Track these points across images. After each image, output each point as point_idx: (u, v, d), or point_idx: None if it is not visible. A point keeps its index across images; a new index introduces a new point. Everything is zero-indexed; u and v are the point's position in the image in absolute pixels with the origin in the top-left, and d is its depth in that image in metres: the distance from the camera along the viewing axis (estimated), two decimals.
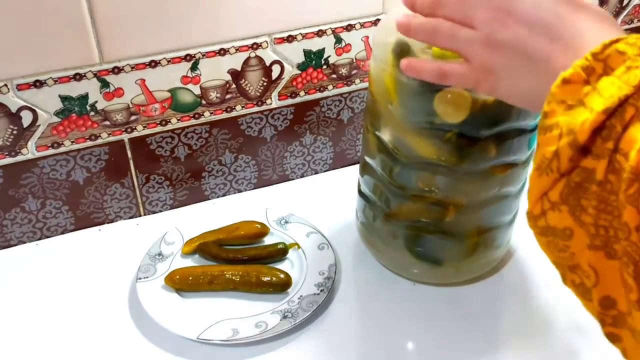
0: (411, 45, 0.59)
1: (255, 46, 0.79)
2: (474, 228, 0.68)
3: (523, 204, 0.71)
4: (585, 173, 0.38)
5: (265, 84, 0.82)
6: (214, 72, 0.79)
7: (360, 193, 0.74)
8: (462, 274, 0.72)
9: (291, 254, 0.76)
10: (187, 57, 0.76)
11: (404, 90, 0.61)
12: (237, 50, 0.78)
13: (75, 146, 0.76)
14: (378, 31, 0.66)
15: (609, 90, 0.38)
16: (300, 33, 0.81)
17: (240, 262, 0.75)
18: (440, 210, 0.66)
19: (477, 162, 0.63)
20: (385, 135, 0.66)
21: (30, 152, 0.75)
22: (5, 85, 0.69)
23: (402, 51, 0.60)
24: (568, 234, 0.40)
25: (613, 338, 0.40)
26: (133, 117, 0.77)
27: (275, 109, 0.85)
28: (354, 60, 0.86)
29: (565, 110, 0.40)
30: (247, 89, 0.82)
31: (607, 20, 0.43)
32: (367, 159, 0.70)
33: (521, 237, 0.77)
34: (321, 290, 0.70)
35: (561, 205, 0.40)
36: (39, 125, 0.73)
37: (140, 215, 0.86)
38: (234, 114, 0.83)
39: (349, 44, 0.85)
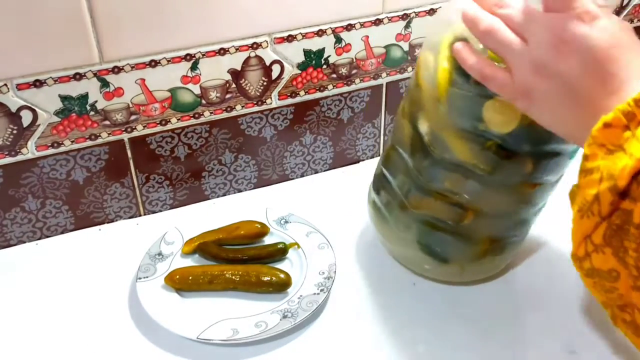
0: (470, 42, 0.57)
1: (255, 46, 0.79)
2: (487, 235, 0.67)
3: (539, 219, 0.71)
4: (625, 215, 0.39)
5: (265, 83, 0.82)
6: (214, 71, 0.79)
7: (382, 176, 0.72)
8: (467, 274, 0.72)
9: (291, 253, 0.76)
10: (187, 57, 0.76)
11: (456, 90, 0.58)
12: (237, 49, 0.78)
13: (75, 146, 0.76)
14: (435, 22, 0.64)
15: None
16: (300, 33, 0.81)
17: (240, 261, 0.74)
18: (460, 213, 0.65)
19: (510, 176, 0.62)
20: (423, 128, 0.63)
21: (30, 151, 0.75)
22: (5, 84, 0.69)
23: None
24: (614, 276, 0.40)
25: None
26: (133, 117, 0.77)
27: (275, 108, 0.85)
28: (354, 60, 0.86)
29: (606, 154, 0.40)
30: (247, 88, 0.82)
31: None
32: (396, 145, 0.68)
33: (526, 239, 0.77)
34: (321, 290, 0.70)
35: (605, 247, 0.40)
36: (38, 125, 0.73)
37: (140, 215, 0.86)
38: (234, 113, 0.83)
39: (349, 44, 0.85)
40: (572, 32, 0.44)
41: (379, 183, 0.73)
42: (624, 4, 0.98)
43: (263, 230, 0.79)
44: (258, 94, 0.83)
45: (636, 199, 0.38)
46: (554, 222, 0.74)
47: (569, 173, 0.64)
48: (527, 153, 0.60)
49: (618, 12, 0.99)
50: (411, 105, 0.65)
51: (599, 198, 0.39)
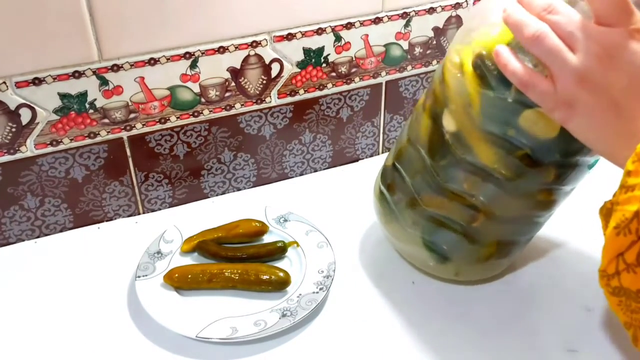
0: (492, 62, 0.55)
1: (255, 44, 0.79)
2: (495, 239, 0.67)
3: (546, 227, 0.71)
4: None
5: (264, 82, 0.82)
6: (214, 70, 0.78)
7: (393, 170, 0.70)
8: (467, 274, 0.71)
9: (290, 252, 0.76)
10: (187, 55, 0.76)
11: (490, 94, 0.56)
12: (236, 48, 0.78)
13: (74, 144, 0.76)
14: (473, 16, 0.60)
15: None
16: (300, 31, 0.81)
17: (239, 260, 0.74)
18: (472, 214, 0.64)
19: (531, 184, 0.60)
20: (447, 126, 0.61)
21: (29, 149, 0.75)
22: (4, 82, 0.69)
23: (481, 65, 0.56)
24: None
25: None
26: (132, 115, 0.77)
27: (274, 107, 0.85)
28: (354, 59, 0.86)
29: None
30: (247, 87, 0.82)
31: None
32: (413, 140, 0.67)
33: (529, 244, 0.77)
34: (320, 289, 0.70)
35: (637, 267, 0.39)
36: (37, 123, 0.73)
37: (139, 214, 0.85)
38: (233, 112, 0.83)
39: (349, 42, 0.84)
40: (625, 48, 0.43)
41: (390, 177, 0.71)
42: None
43: (262, 229, 0.79)
44: (257, 92, 0.83)
45: None
46: (556, 224, 0.74)
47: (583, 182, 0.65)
48: (552, 163, 0.58)
49: None
50: (435, 101, 0.62)
51: (639, 215, 0.38)
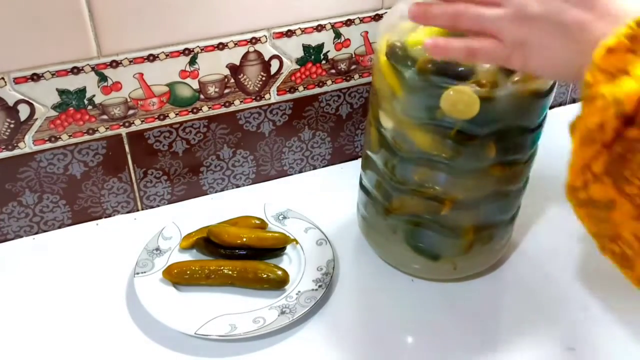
0: (404, 47, 0.60)
1: (254, 40, 0.79)
2: (471, 224, 0.68)
3: (524, 203, 0.71)
4: (629, 144, 0.38)
5: (263, 78, 0.82)
6: (213, 66, 0.78)
7: (362, 187, 0.74)
8: (461, 270, 0.72)
9: (289, 249, 0.76)
10: (186, 51, 0.76)
11: (408, 85, 0.61)
12: (235, 44, 0.78)
13: (73, 140, 0.76)
14: (380, 26, 0.66)
15: None
16: (300, 28, 0.80)
17: (238, 257, 0.74)
18: (437, 205, 0.66)
19: (476, 160, 0.63)
20: (386, 129, 0.66)
21: (27, 145, 0.74)
22: (3, 78, 0.69)
23: (395, 52, 0.61)
24: (610, 206, 0.40)
25: None
26: (131, 112, 0.77)
27: (273, 104, 0.85)
28: (353, 56, 0.86)
29: (609, 80, 0.39)
30: (246, 83, 0.81)
31: None
32: (369, 153, 0.70)
33: (521, 235, 0.77)
34: (319, 286, 0.70)
35: (604, 177, 0.40)
36: (36, 119, 0.73)
37: (137, 210, 0.85)
38: (232, 108, 0.82)
39: (348, 39, 0.84)
40: None
41: (362, 196, 0.75)
42: None
43: (261, 226, 0.78)
44: (257, 89, 0.82)
45: None
46: (551, 217, 0.74)
47: (540, 152, 0.67)
48: (488, 135, 0.60)
49: None
50: (374, 110, 0.67)
51: (603, 125, 0.39)
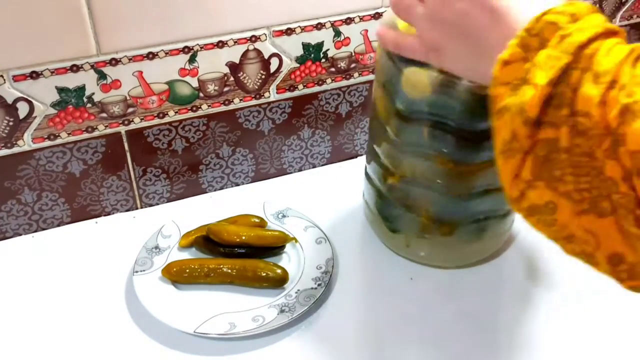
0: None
1: (254, 39, 0.79)
2: (425, 207, 0.70)
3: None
4: (549, 144, 0.39)
5: (263, 77, 0.82)
6: (212, 64, 0.78)
7: (367, 176, 0.76)
8: (458, 259, 0.73)
9: (288, 248, 0.76)
10: (185, 49, 0.76)
11: (383, 71, 0.65)
12: (235, 42, 0.78)
13: (72, 138, 0.76)
14: (380, 24, 0.67)
15: (548, 63, 0.39)
16: (299, 26, 0.80)
17: (237, 255, 0.74)
18: (383, 173, 0.71)
19: (413, 143, 0.65)
20: (375, 93, 0.69)
21: (26, 143, 0.74)
22: (2, 76, 0.69)
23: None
24: (552, 207, 0.40)
25: (637, 289, 0.40)
26: (130, 110, 0.77)
27: (273, 102, 0.85)
28: (353, 54, 0.86)
29: (511, 91, 0.40)
30: (245, 81, 0.81)
31: None
32: (374, 146, 0.72)
33: (522, 224, 0.77)
34: (318, 285, 0.70)
35: (536, 181, 0.40)
36: (35, 117, 0.73)
37: (137, 208, 0.85)
38: (231, 106, 0.82)
39: (348, 38, 0.84)
40: None
41: (365, 183, 0.78)
42: (624, 0, 0.98)
43: (260, 225, 0.78)
44: (256, 87, 0.82)
45: (557, 124, 0.38)
46: None
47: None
48: (423, 121, 0.64)
49: (618, 7, 0.98)
50: (377, 106, 0.71)
51: (515, 134, 0.40)
